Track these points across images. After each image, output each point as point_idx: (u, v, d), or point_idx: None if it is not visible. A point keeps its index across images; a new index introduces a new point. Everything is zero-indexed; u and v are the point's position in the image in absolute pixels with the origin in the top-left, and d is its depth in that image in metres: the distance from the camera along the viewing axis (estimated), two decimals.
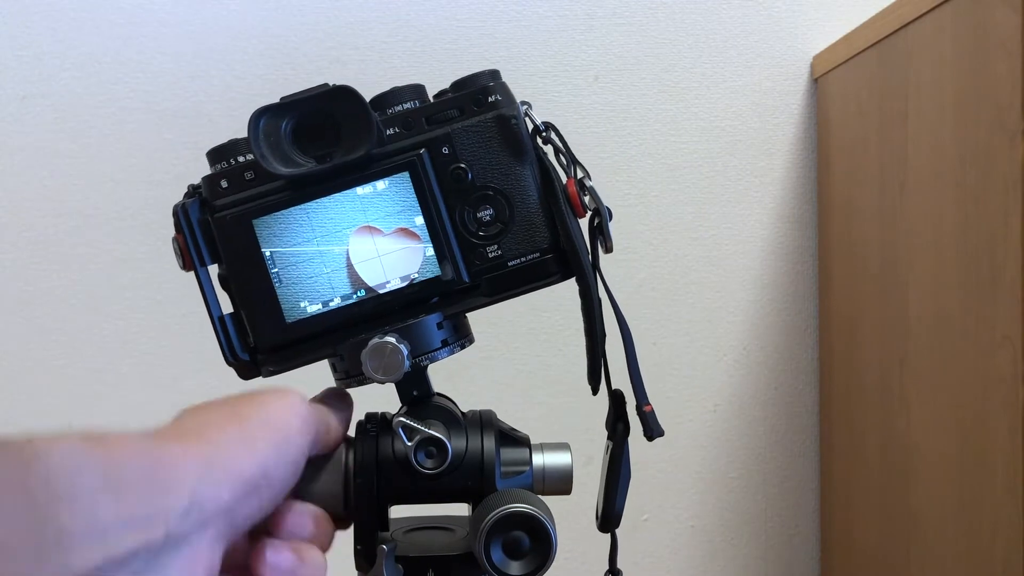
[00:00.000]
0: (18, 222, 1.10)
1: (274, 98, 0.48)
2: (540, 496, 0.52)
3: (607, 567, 0.55)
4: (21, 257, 1.10)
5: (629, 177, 1.16)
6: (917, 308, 0.93)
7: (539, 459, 0.53)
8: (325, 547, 0.48)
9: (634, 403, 0.51)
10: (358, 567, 0.51)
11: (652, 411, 0.50)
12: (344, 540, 0.52)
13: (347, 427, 0.51)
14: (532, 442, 0.53)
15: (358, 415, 0.53)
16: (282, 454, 0.43)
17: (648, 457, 1.18)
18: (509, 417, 0.55)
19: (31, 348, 1.11)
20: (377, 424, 0.52)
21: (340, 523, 0.50)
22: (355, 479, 0.50)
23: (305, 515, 0.47)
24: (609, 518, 0.52)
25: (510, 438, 0.53)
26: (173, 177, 1.07)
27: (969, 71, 0.83)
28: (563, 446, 0.54)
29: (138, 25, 1.11)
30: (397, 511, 0.53)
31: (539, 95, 1.15)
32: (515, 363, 1.15)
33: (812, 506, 1.21)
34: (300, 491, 0.51)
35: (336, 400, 0.52)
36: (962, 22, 0.85)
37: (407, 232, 0.50)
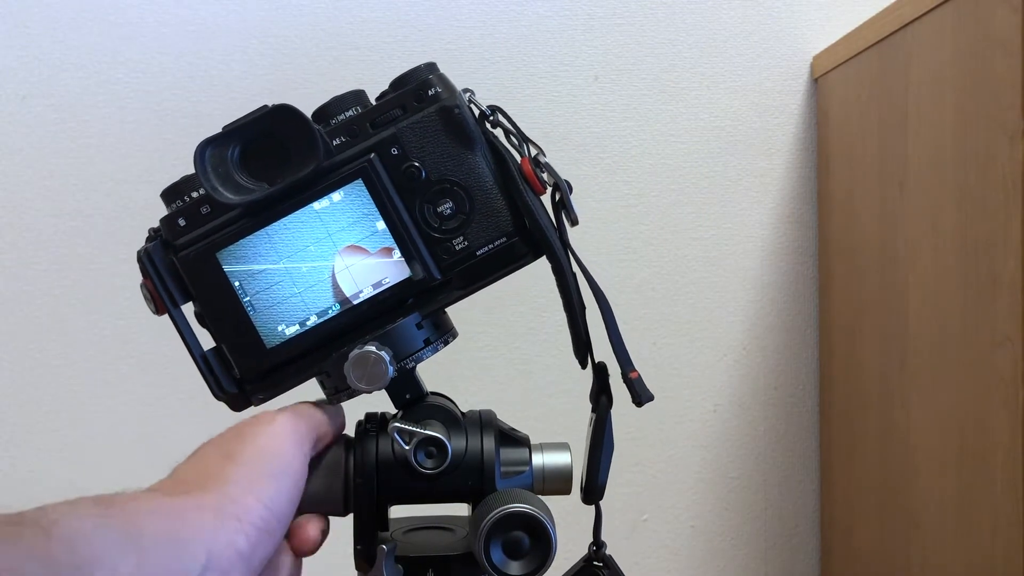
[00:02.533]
0: (18, 222, 1.10)
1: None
2: (540, 496, 0.52)
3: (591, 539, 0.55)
4: (21, 257, 1.10)
5: (629, 177, 1.16)
6: (917, 308, 0.93)
7: (539, 459, 0.53)
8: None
9: (619, 373, 0.51)
10: (358, 567, 0.51)
11: (639, 377, 0.50)
12: (344, 540, 0.52)
13: (340, 412, 0.52)
14: (532, 442, 0.53)
15: (359, 415, 0.53)
16: (285, 486, 0.44)
17: (648, 457, 1.18)
18: (509, 417, 0.55)
19: (31, 348, 1.11)
20: (377, 424, 0.52)
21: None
22: (355, 479, 0.50)
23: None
24: (592, 490, 0.52)
25: (510, 438, 0.53)
26: (173, 177, 1.07)
27: (969, 71, 0.83)
28: (563, 446, 0.54)
29: (138, 25, 1.11)
30: (397, 511, 0.53)
31: (539, 95, 1.15)
32: (515, 363, 1.15)
33: (812, 506, 1.21)
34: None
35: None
36: (962, 22, 0.85)
37: (389, 251, 0.50)
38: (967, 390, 0.84)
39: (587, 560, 0.55)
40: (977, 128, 0.82)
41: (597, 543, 0.55)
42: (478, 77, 1.14)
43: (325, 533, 0.50)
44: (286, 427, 0.46)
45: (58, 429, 1.11)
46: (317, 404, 0.51)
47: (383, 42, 1.12)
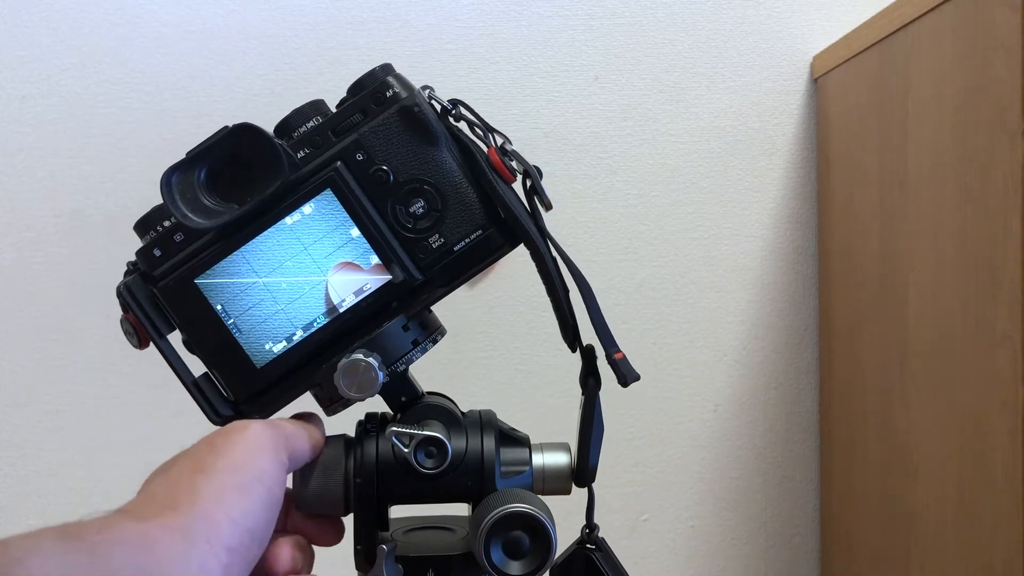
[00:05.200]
0: (18, 222, 1.10)
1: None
2: (540, 496, 0.52)
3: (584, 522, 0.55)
4: (21, 257, 1.10)
5: (629, 177, 1.16)
6: (917, 308, 0.93)
7: (539, 459, 0.53)
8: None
9: (605, 353, 0.51)
10: (358, 567, 0.51)
11: (624, 357, 0.50)
12: (344, 540, 0.52)
13: (320, 426, 0.51)
14: (532, 442, 0.53)
15: (360, 416, 0.53)
16: (258, 498, 0.43)
17: (648, 457, 1.18)
18: (509, 417, 0.55)
19: (31, 348, 1.11)
20: (377, 424, 0.52)
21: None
22: (355, 480, 0.50)
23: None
24: (584, 472, 0.52)
25: (510, 438, 0.53)
26: None
27: (969, 71, 0.83)
28: (563, 446, 0.54)
29: (138, 25, 1.11)
30: (397, 511, 0.53)
31: (539, 95, 1.15)
32: (515, 363, 1.15)
33: (812, 506, 1.21)
34: (300, 494, 0.51)
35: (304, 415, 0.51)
36: (962, 22, 0.85)
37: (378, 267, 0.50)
38: (967, 390, 0.84)
39: (580, 543, 0.55)
40: (977, 128, 0.82)
41: (590, 526, 0.55)
42: (478, 77, 1.14)
43: (308, 559, 0.49)
44: (260, 436, 0.45)
45: (58, 429, 1.11)
46: (298, 418, 0.50)
47: (383, 42, 1.12)
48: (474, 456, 0.51)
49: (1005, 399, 0.78)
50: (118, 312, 0.51)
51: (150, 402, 1.10)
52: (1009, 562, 0.78)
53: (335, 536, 0.51)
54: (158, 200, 0.52)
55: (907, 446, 0.96)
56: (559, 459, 0.53)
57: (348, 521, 0.52)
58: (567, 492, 0.53)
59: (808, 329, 1.20)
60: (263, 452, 0.44)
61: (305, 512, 0.50)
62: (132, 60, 1.10)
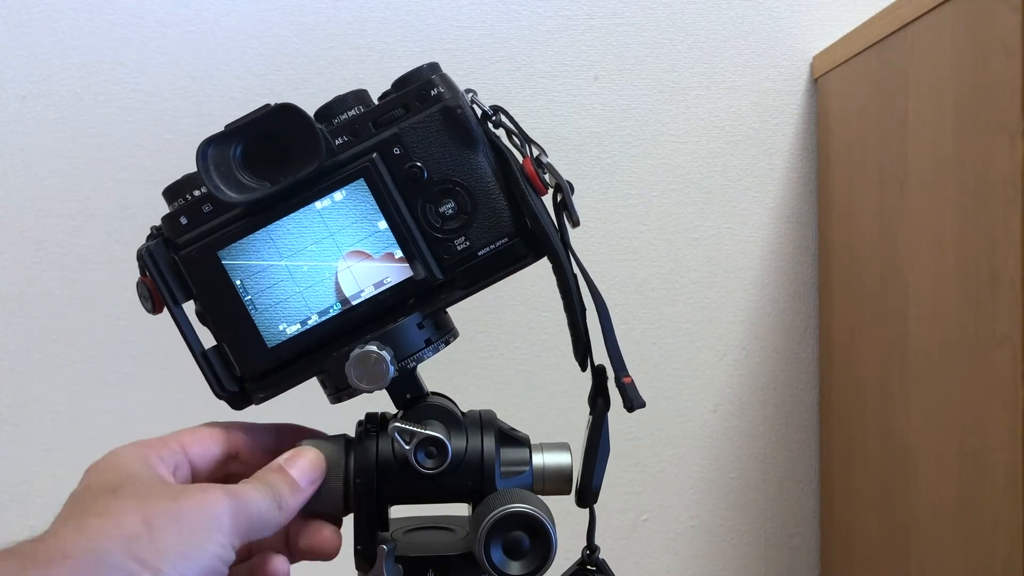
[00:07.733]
0: (18, 222, 1.10)
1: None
2: (540, 496, 0.52)
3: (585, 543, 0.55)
4: (21, 257, 1.10)
5: (629, 177, 1.16)
6: (917, 308, 0.93)
7: (539, 459, 0.53)
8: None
9: (614, 377, 0.51)
10: (358, 567, 0.51)
11: (632, 383, 0.50)
12: (345, 540, 0.52)
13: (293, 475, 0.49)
14: (532, 442, 0.53)
15: (359, 415, 0.53)
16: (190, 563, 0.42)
17: (648, 457, 1.18)
18: (509, 417, 0.55)
19: (31, 348, 1.11)
20: (377, 424, 0.52)
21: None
22: (355, 479, 0.50)
23: None
24: (587, 493, 0.52)
25: (510, 438, 0.53)
26: (173, 177, 1.06)
27: (969, 71, 0.83)
28: (563, 446, 0.54)
29: (138, 25, 1.11)
30: (397, 511, 0.53)
31: (539, 95, 1.15)
32: (515, 363, 1.15)
33: (812, 506, 1.21)
34: None
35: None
36: (962, 22, 0.85)
37: (391, 256, 0.50)
38: (967, 390, 0.84)
39: (580, 564, 0.55)
40: (977, 128, 0.82)
41: (591, 547, 0.55)
42: (478, 77, 1.14)
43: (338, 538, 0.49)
44: (217, 509, 0.43)
45: (58, 429, 1.11)
46: (267, 492, 0.47)
47: (382, 42, 1.12)
48: (474, 456, 0.51)
49: (1005, 399, 0.78)
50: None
51: (151, 402, 1.11)
52: (1009, 562, 0.78)
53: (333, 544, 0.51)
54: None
55: (907, 446, 0.96)
56: (559, 459, 0.53)
57: (348, 521, 0.52)
58: (567, 492, 0.53)
59: (808, 329, 1.20)
60: (215, 533, 0.43)
61: (305, 514, 0.50)
62: (132, 60, 1.10)
